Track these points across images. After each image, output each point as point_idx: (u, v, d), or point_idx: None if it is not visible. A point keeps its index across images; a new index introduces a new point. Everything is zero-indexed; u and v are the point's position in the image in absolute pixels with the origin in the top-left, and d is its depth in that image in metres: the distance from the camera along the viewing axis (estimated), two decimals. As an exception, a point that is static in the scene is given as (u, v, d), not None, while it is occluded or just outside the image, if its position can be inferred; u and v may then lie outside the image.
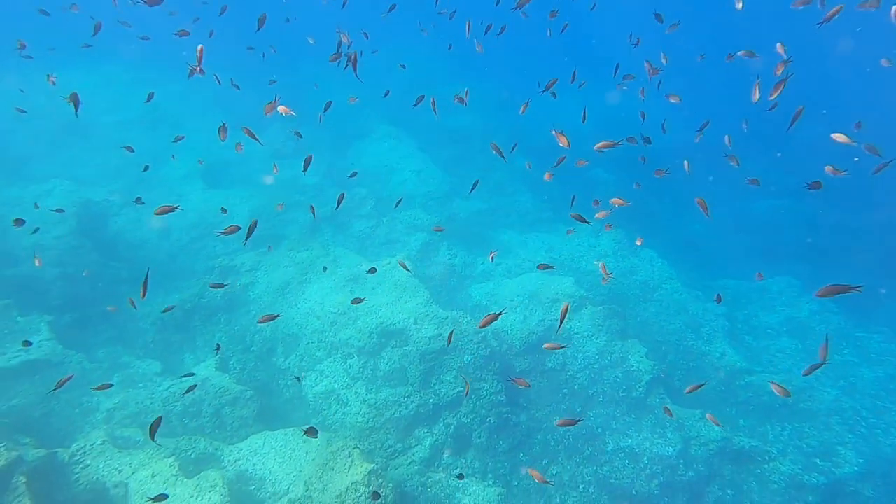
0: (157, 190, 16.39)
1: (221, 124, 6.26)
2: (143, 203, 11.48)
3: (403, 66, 17.91)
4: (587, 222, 7.96)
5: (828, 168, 7.27)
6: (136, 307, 9.48)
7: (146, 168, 11.56)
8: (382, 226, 16.35)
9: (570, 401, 12.12)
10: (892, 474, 11.28)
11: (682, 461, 10.85)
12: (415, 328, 11.70)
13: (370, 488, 8.07)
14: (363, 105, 23.06)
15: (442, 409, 10.97)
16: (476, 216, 17.70)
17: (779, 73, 7.34)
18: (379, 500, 7.97)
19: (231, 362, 12.10)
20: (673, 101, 10.93)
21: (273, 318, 7.42)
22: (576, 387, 12.11)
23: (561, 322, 6.20)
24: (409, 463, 10.19)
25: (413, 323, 11.76)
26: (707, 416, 9.05)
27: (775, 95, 6.86)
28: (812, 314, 15.25)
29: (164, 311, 11.11)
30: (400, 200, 13.65)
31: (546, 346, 8.10)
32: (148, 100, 10.52)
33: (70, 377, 7.45)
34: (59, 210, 11.20)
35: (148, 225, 15.19)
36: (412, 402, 10.87)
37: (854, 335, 14.94)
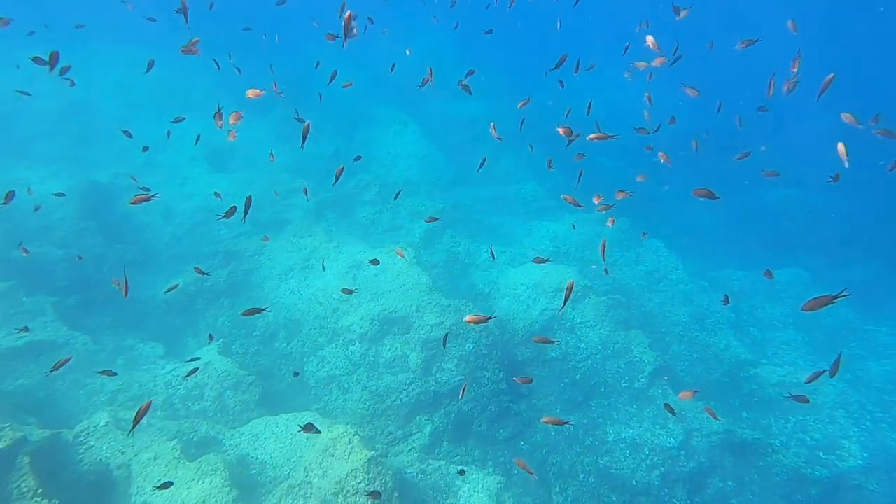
0: (161, 173, 16.38)
1: (217, 110, 6.10)
2: (148, 190, 11.43)
3: (409, 52, 17.65)
4: (580, 206, 7.85)
5: (840, 148, 6.92)
6: (120, 287, 9.48)
7: (145, 148, 11.48)
8: (386, 212, 16.26)
9: (571, 390, 12.09)
10: (896, 469, 11.20)
11: (683, 452, 10.81)
12: (417, 316, 11.67)
13: (369, 475, 8.10)
14: (368, 90, 22.87)
15: (443, 397, 10.97)
16: (481, 204, 17.57)
17: (794, 69, 7.10)
18: (378, 500, 7.97)
19: (234, 346, 12.15)
20: (691, 93, 10.65)
21: (258, 311, 7.38)
22: (577, 377, 12.07)
23: (565, 302, 6.12)
24: (410, 450, 10.23)
25: (415, 311, 11.72)
26: (705, 408, 8.95)
27: (789, 87, 6.65)
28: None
29: (168, 290, 11.13)
30: (398, 192, 13.50)
31: (535, 339, 8.03)
32: (148, 69, 10.38)
33: (68, 359, 7.47)
34: (59, 194, 11.19)
35: (152, 208, 15.20)
36: (413, 389, 10.88)
37: (862, 328, 14.78)
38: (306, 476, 8.49)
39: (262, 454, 9.50)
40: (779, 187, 20.05)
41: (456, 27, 15.50)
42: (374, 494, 7.35)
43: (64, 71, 7.65)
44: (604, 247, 7.36)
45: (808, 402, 7.78)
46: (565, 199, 7.78)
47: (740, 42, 9.46)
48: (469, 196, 17.89)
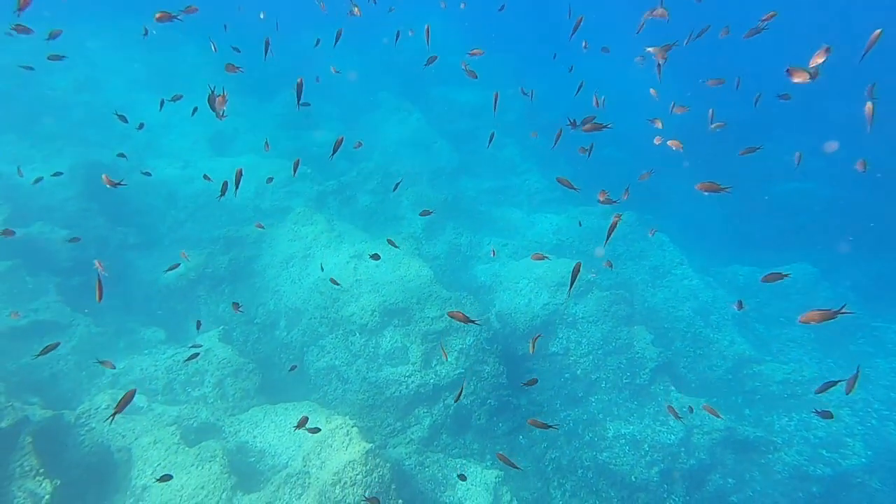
0: (164, 156, 16.28)
1: (210, 92, 5.87)
2: (149, 175, 11.34)
3: (412, 32, 17.34)
4: (575, 189, 7.68)
5: (867, 108, 6.56)
6: (104, 272, 9.41)
7: (140, 126, 11.29)
8: (389, 202, 16.12)
9: (571, 385, 12.02)
10: (900, 468, 11.11)
11: (683, 449, 10.75)
12: (417, 308, 11.59)
13: (367, 467, 8.08)
14: (372, 77, 22.62)
15: (442, 390, 10.93)
16: (484, 195, 17.40)
17: (818, 61, 6.76)
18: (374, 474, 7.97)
19: (234, 334, 12.13)
20: (712, 84, 10.35)
21: (236, 306, 7.37)
22: (578, 372, 12.00)
23: (571, 285, 5.99)
24: (408, 442, 10.21)
25: (416, 303, 11.64)
26: (703, 406, 8.82)
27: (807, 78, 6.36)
28: (828, 303, 14.88)
29: (168, 269, 11.10)
30: (397, 184, 13.30)
31: (532, 343, 7.95)
32: (145, 34, 10.24)
33: (57, 344, 7.44)
34: (58, 173, 11.10)
35: (155, 191, 15.13)
36: (413, 381, 10.83)
37: (871, 325, 14.61)
38: (304, 466, 8.49)
39: (260, 442, 9.50)
40: (789, 181, 19.73)
41: (463, 6, 15.11)
42: (373, 501, 7.31)
43: (54, 35, 7.52)
44: (613, 227, 7.05)
45: (832, 417, 7.65)
46: (559, 182, 7.57)
47: (759, 23, 9.13)
48: (472, 186, 17.72)
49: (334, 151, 7.57)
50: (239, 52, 12.54)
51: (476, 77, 11.05)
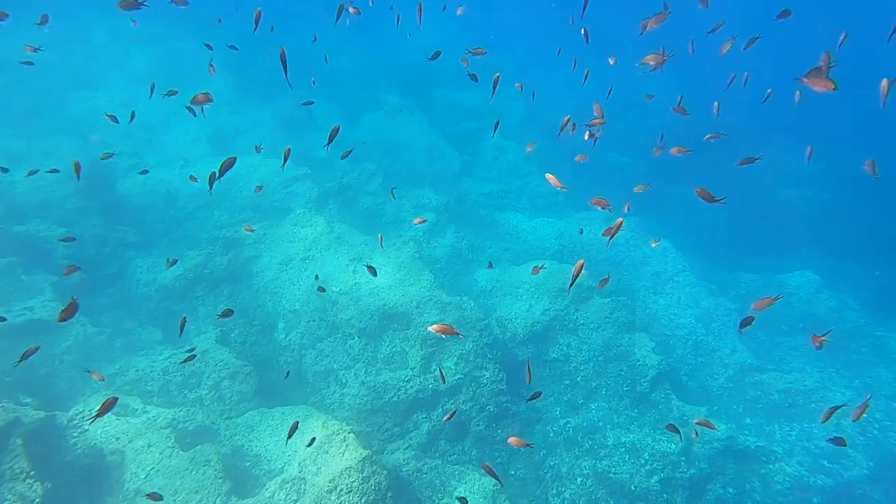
0: (164, 154, 16.17)
1: (194, 98, 5.77)
2: (147, 172, 11.20)
3: (410, 35, 17.26)
4: (562, 188, 7.57)
5: (882, 85, 6.32)
6: (82, 272, 9.30)
7: (132, 117, 11.09)
8: (390, 203, 16.01)
9: (571, 392, 11.92)
10: (902, 479, 11.00)
11: (684, 458, 10.63)
12: (417, 312, 11.48)
13: (364, 474, 7.97)
14: (374, 75, 22.50)
15: (441, 395, 10.83)
16: (486, 198, 17.28)
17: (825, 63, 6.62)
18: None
19: (232, 335, 12.02)
20: (678, 112, 10.18)
21: (229, 313, 7.26)
22: (579, 379, 11.89)
23: (572, 283, 5.90)
24: (406, 447, 10.10)
25: (416, 307, 11.54)
26: (696, 421, 8.59)
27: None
28: (830, 311, 14.76)
29: (169, 262, 10.98)
30: (392, 189, 13.20)
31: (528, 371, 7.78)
32: (134, 23, 10.09)
33: (36, 349, 7.32)
34: (54, 170, 10.99)
35: (154, 189, 15.02)
36: (411, 386, 10.73)
37: (873, 334, 14.47)
38: (300, 471, 8.38)
39: (256, 446, 9.40)
40: (791, 186, 19.59)
41: (460, 11, 14.91)
42: None
43: (44, 20, 7.39)
44: (617, 228, 6.89)
45: (845, 445, 7.53)
46: (548, 179, 7.47)
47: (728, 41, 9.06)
48: (474, 189, 17.60)
49: (329, 141, 7.51)
50: (236, 49, 12.44)
51: (477, 80, 10.94)
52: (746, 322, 6.49)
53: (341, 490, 7.89)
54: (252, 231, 11.64)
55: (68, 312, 5.65)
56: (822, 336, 6.69)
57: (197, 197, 15.29)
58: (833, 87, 5.26)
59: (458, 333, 6.66)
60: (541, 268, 9.04)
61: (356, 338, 11.45)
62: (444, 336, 6.58)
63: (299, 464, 8.53)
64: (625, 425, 11.28)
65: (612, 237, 6.53)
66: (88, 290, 12.25)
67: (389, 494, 8.14)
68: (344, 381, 11.08)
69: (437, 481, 9.44)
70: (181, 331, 7.02)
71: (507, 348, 11.85)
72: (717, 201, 6.53)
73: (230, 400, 10.52)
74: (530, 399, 8.07)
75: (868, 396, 7.40)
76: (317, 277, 11.37)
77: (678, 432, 8.64)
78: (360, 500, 7.83)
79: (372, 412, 10.49)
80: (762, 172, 19.09)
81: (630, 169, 19.00)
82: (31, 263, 11.70)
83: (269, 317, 12.35)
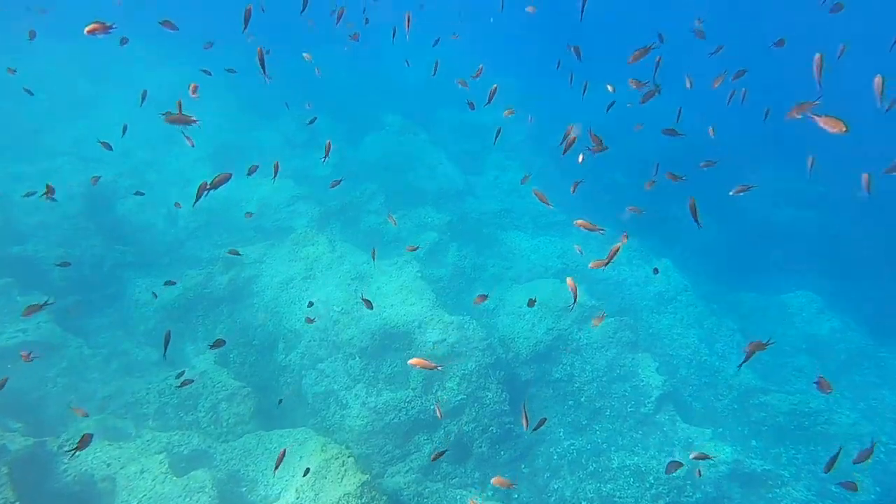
0: (164, 173, 16.18)
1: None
2: (142, 194, 11.18)
3: (408, 63, 17.47)
4: (549, 205, 7.64)
5: (876, 82, 6.21)
6: (51, 303, 9.20)
7: (124, 130, 10.98)
8: (392, 222, 15.98)
9: (575, 413, 11.75)
10: (910, 505, 10.78)
11: (689, 482, 10.42)
12: (419, 331, 11.37)
13: (363, 500, 7.78)
14: (376, 96, 22.68)
15: (444, 416, 10.66)
16: (489, 216, 17.26)
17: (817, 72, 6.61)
18: None
19: (232, 356, 11.86)
20: (634, 85, 10.23)
21: (221, 343, 7.23)
22: (582, 399, 11.73)
23: (573, 302, 5.87)
24: (407, 470, 9.91)
25: (417, 326, 11.43)
26: (693, 456, 8.31)
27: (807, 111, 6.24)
28: (833, 332, 14.65)
29: (165, 283, 10.87)
30: (390, 215, 13.15)
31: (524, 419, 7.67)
32: (121, 44, 10.10)
33: (6, 379, 7.21)
34: (51, 198, 10.92)
35: (154, 209, 14.99)
36: (413, 407, 10.57)
37: (877, 355, 14.34)
38: (297, 498, 8.17)
39: (253, 471, 9.20)
40: (791, 207, 19.61)
41: (455, 36, 15.04)
42: None
43: (31, 36, 7.37)
44: (614, 253, 6.84)
45: (856, 489, 7.37)
46: (535, 195, 7.50)
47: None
48: (477, 208, 17.59)
49: (326, 155, 7.60)
50: (234, 72, 12.54)
51: (474, 107, 10.98)
52: (746, 358, 6.39)
53: (341, 516, 7.69)
54: (237, 255, 11.44)
55: (82, 444, 5.71)
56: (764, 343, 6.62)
57: (197, 216, 15.26)
58: (845, 129, 5.27)
59: (436, 367, 6.67)
60: (534, 301, 9.05)
61: (357, 357, 11.31)
62: (423, 368, 6.57)
63: (296, 490, 8.32)
64: (629, 447, 11.09)
65: (606, 263, 6.50)
66: (86, 311, 12.14)
67: (390, 520, 7.94)
68: (344, 402, 10.90)
69: (439, 506, 9.23)
70: (165, 348, 6.84)
71: (510, 368, 11.71)
72: (695, 219, 6.48)
73: (227, 422, 10.33)
74: (535, 428, 7.95)
75: (873, 444, 7.28)
76: (310, 305, 11.17)
77: (682, 465, 8.48)
78: (361, 526, 7.63)
79: (373, 434, 10.31)
80: (761, 192, 19.14)
81: (632, 189, 19.01)
82: (27, 284, 11.59)
83: (270, 337, 12.21)
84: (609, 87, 10.58)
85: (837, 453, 6.25)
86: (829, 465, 6.47)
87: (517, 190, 18.74)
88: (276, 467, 7.44)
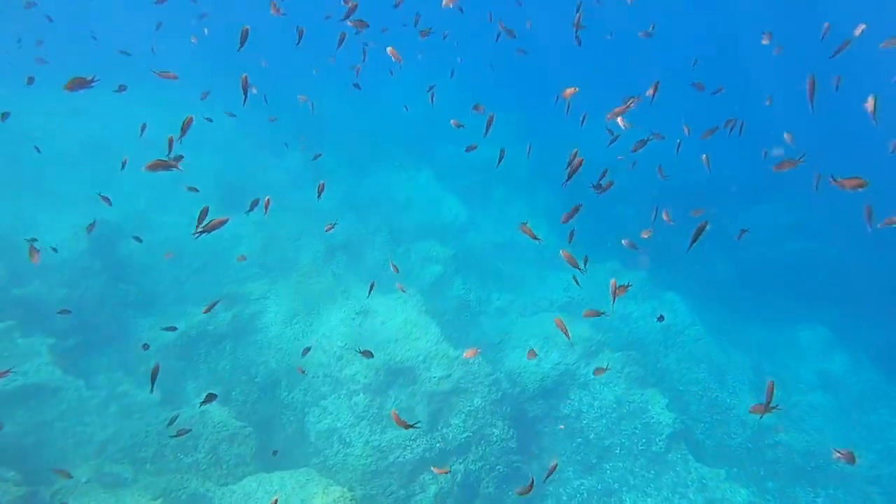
0: (170, 213, 16.30)
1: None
2: (140, 241, 11.30)
3: (406, 108, 17.89)
4: (538, 239, 7.60)
5: (869, 102, 6.17)
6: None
7: (124, 164, 11.05)
8: (396, 256, 15.99)
9: (584, 451, 11.44)
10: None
11: (705, 525, 10.06)
12: (423, 367, 11.21)
13: (367, 546, 7.50)
14: (380, 134, 23.04)
15: (449, 455, 10.41)
16: (493, 249, 17.27)
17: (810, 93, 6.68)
18: None
19: (234, 393, 11.69)
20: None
21: (213, 398, 7.12)
22: (591, 436, 11.44)
23: (568, 334, 5.68)
24: (412, 513, 9.60)
25: (422, 361, 11.28)
26: None
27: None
28: (844, 368, 14.37)
29: (165, 328, 10.78)
30: (393, 252, 13.22)
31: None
32: (119, 90, 10.32)
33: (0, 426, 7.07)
34: (53, 249, 11.03)
35: (159, 248, 15.03)
36: (418, 445, 10.33)
37: (891, 394, 14.02)
38: (300, 543, 7.91)
39: (254, 515, 8.92)
40: (797, 240, 19.48)
41: (454, 71, 15.36)
42: None
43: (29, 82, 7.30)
44: (615, 292, 6.70)
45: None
46: (522, 230, 7.48)
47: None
48: (481, 241, 17.63)
49: (319, 194, 8.32)
50: (234, 116, 12.79)
51: (476, 148, 11.12)
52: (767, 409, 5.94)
53: (344, 563, 7.41)
54: (208, 312, 10.46)
55: None
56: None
57: (202, 254, 15.30)
58: (865, 184, 5.30)
59: (412, 426, 6.63)
60: (534, 353, 8.94)
61: (361, 394, 11.12)
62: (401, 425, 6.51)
63: (299, 534, 8.06)
64: (641, 488, 10.75)
65: (613, 299, 6.42)
66: (86, 351, 12.04)
67: (395, 568, 7.64)
68: (348, 440, 10.66)
69: (445, 552, 8.90)
70: (152, 385, 6.53)
71: (516, 403, 11.49)
72: (694, 241, 6.20)
73: (228, 464, 10.09)
74: (546, 477, 7.72)
75: None
76: (305, 352, 11.00)
77: None
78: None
79: (377, 473, 10.04)
80: (767, 225, 19.12)
81: (636, 220, 19.01)
82: (29, 325, 11.50)
83: (273, 374, 12.05)
84: (622, 123, 10.59)
85: None
86: None
87: (521, 223, 18.80)
88: None
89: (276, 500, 7.43)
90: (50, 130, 18.18)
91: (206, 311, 9.47)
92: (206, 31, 16.86)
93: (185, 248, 15.06)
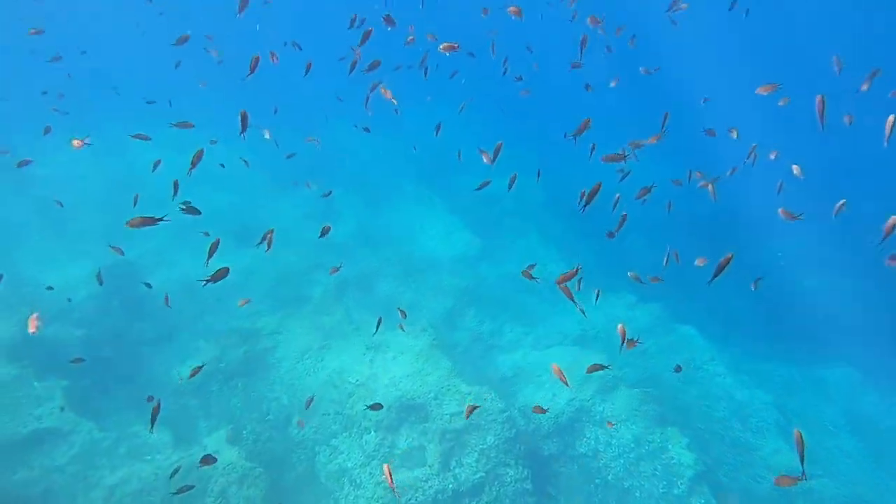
0: (186, 250, 16.54)
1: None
2: (150, 287, 11.55)
3: (415, 148, 18.32)
4: (535, 279, 7.58)
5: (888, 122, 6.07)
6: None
7: (135, 200, 11.40)
8: (409, 290, 15.97)
9: (603, 492, 11.05)
10: None
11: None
12: (435, 403, 11.04)
13: None
14: (393, 165, 23.35)
15: (462, 497, 10.13)
16: (505, 281, 17.14)
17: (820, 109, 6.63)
18: None
19: (245, 432, 11.60)
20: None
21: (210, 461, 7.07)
22: (609, 477, 11.06)
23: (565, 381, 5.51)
24: (424, 560, 9.29)
25: (434, 398, 11.11)
26: None
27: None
28: (876, 410, 13.77)
29: (192, 374, 10.76)
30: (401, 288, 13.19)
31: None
32: (140, 137, 10.77)
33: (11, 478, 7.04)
34: (68, 300, 11.23)
35: (175, 285, 15.21)
36: (430, 487, 10.08)
37: (923, 438, 13.37)
38: (308, 592, 7.67)
39: (262, 562, 8.72)
40: (819, 276, 18.86)
41: (461, 109, 15.55)
42: None
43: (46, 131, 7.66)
44: (624, 338, 6.59)
45: None
46: (523, 275, 7.48)
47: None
48: (493, 273, 17.53)
49: (322, 234, 8.47)
50: (247, 164, 13.06)
51: (490, 183, 11.25)
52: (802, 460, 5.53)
53: None
54: (195, 375, 9.98)
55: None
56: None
57: (217, 289, 15.41)
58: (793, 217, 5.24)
59: (393, 489, 6.46)
60: (543, 410, 8.72)
61: (372, 432, 10.96)
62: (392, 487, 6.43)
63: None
64: (664, 534, 10.29)
65: (622, 342, 6.29)
66: (100, 391, 12.08)
67: None
68: (359, 481, 10.46)
69: None
70: (152, 424, 6.45)
71: (531, 441, 11.19)
72: (717, 275, 6.09)
73: (238, 506, 9.92)
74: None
75: None
76: (309, 402, 10.97)
77: None
78: None
79: (387, 518, 9.79)
80: (789, 258, 18.64)
81: (649, 251, 18.76)
82: (45, 368, 11.58)
83: (285, 410, 11.97)
84: (633, 145, 10.57)
85: None
86: None
87: (534, 254, 18.71)
88: None
89: None
90: (76, 175, 18.74)
91: (192, 377, 9.64)
92: (215, 54, 17.56)
93: (200, 285, 15.22)
